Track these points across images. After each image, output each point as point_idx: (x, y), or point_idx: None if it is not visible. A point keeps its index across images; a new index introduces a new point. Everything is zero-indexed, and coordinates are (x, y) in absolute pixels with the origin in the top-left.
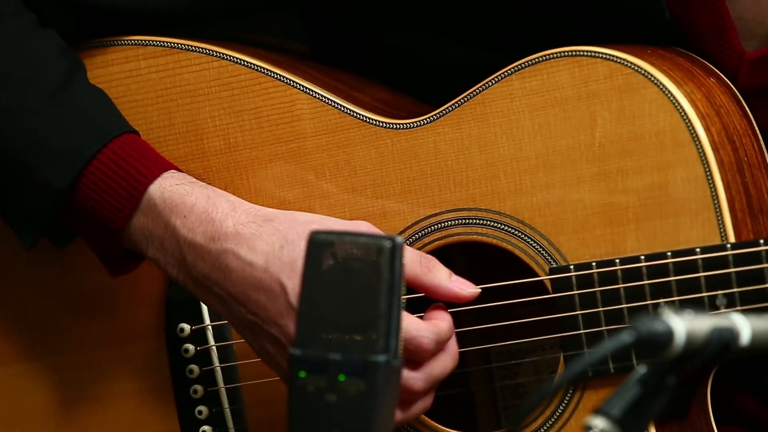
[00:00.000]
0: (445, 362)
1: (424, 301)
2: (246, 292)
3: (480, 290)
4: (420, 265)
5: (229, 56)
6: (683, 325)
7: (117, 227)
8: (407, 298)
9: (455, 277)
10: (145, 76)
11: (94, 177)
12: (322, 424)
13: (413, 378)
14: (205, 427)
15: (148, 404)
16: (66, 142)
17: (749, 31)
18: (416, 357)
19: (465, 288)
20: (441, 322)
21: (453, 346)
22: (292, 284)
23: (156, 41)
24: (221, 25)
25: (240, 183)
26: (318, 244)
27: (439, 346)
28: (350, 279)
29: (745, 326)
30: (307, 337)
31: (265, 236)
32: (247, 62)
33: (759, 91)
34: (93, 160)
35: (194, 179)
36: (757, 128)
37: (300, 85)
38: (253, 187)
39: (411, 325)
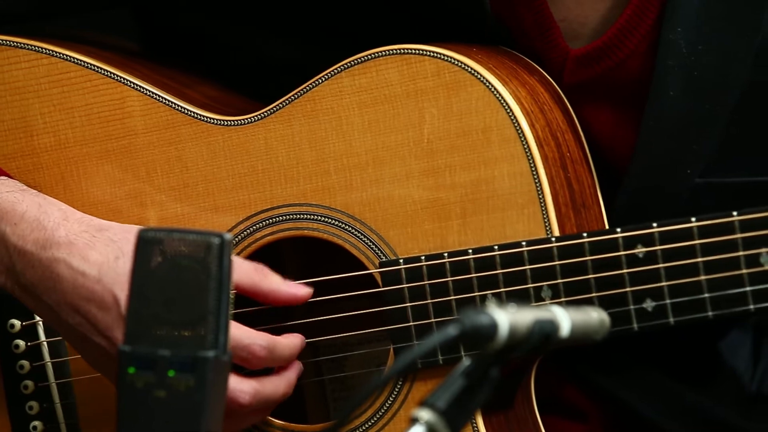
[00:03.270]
0: (277, 385)
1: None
2: (76, 302)
3: (312, 289)
4: (256, 272)
5: (59, 53)
6: (507, 317)
7: None
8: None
9: (287, 281)
10: None
11: None
12: (151, 419)
13: (240, 391)
14: (36, 423)
15: None
16: None
17: (573, 32)
18: (248, 364)
19: (300, 288)
20: (281, 337)
21: (291, 375)
22: (125, 297)
23: None
24: (51, 22)
25: (71, 179)
26: (147, 241)
27: (274, 358)
28: (179, 276)
29: (565, 319)
30: (137, 333)
31: (99, 246)
32: (77, 59)
33: (583, 87)
34: None
35: (26, 187)
36: (577, 124)
37: (130, 82)
38: (84, 183)
39: (244, 333)
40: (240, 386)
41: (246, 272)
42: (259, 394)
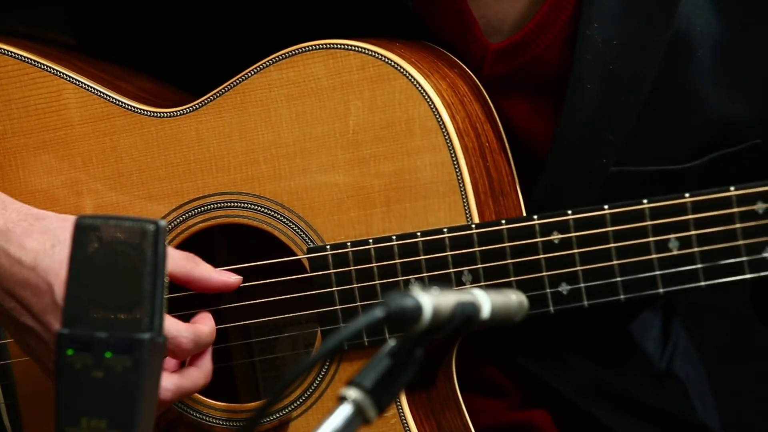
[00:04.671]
0: (196, 378)
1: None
2: (12, 288)
3: (242, 277)
4: (188, 260)
5: None
6: (430, 300)
7: None
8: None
9: (218, 269)
10: None
11: None
12: (89, 399)
13: (163, 389)
14: None
15: None
16: None
17: (492, 28)
18: (174, 356)
19: (230, 276)
20: (203, 326)
21: (207, 365)
22: (59, 284)
23: None
24: None
25: (9, 169)
26: (84, 227)
27: (198, 347)
28: (115, 261)
29: (485, 301)
30: (75, 316)
31: (36, 235)
32: (15, 53)
33: (502, 79)
34: None
35: None
36: (496, 115)
37: (66, 75)
38: (22, 173)
39: (171, 326)
40: (163, 383)
41: (178, 261)
42: (181, 389)
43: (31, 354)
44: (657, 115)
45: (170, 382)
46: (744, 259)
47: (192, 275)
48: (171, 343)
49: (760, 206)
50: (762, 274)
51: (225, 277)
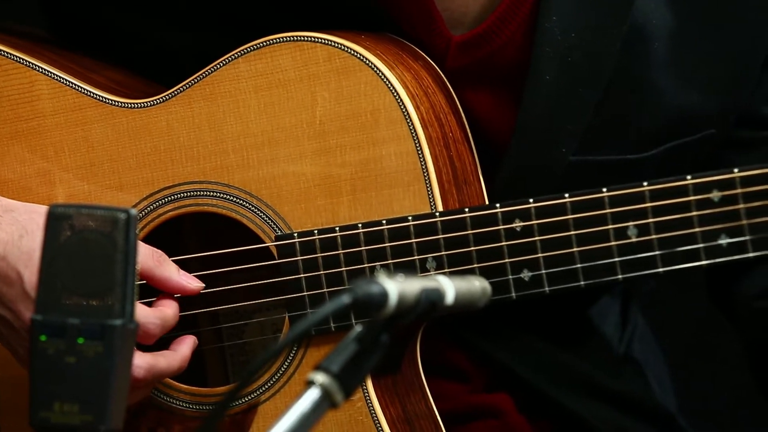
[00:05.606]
0: (171, 360)
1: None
2: None
3: (203, 285)
4: (152, 259)
5: None
6: (396, 286)
7: None
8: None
9: (182, 272)
10: None
11: None
12: (62, 384)
13: (135, 366)
14: None
15: None
16: None
17: (455, 20)
18: (142, 341)
19: (191, 282)
20: (167, 309)
21: (185, 351)
22: (29, 273)
23: None
24: None
25: None
26: (57, 216)
27: (165, 331)
28: (87, 249)
29: (450, 287)
30: (48, 303)
31: (4, 226)
32: None
33: (464, 71)
34: None
35: None
36: (459, 106)
37: (39, 67)
38: None
39: (139, 312)
40: (136, 361)
41: (142, 257)
42: (154, 369)
43: (3, 341)
44: (615, 106)
45: (144, 360)
46: (700, 246)
47: (153, 273)
48: (139, 328)
49: (715, 194)
50: (717, 260)
51: (185, 281)
